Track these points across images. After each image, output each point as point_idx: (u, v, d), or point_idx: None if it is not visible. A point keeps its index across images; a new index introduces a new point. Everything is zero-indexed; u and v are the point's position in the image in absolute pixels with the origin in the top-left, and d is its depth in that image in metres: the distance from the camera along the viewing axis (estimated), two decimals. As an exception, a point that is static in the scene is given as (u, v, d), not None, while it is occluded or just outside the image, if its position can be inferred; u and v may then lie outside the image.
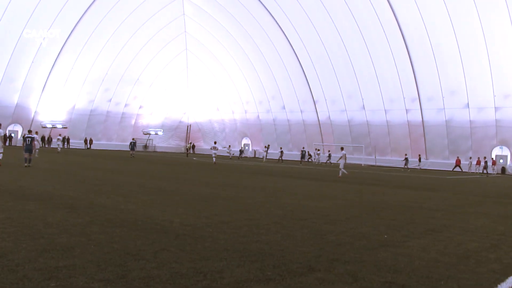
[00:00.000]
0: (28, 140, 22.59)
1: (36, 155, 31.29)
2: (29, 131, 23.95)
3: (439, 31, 44.22)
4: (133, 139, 49.25)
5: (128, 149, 45.68)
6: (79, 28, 54.94)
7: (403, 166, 45.91)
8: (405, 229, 8.78)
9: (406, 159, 45.82)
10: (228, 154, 57.62)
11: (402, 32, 46.33)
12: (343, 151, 27.68)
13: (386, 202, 13.66)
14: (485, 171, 43.09)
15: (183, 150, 74.66)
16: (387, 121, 52.74)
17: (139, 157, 42.19)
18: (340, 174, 26.99)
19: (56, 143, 47.67)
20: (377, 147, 53.66)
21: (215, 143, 43.06)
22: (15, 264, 4.96)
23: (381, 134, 53.92)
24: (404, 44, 46.84)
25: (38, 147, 33.26)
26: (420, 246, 7.25)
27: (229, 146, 63.38)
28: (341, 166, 27.12)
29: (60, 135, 53.32)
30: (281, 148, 55.79)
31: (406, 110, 50.51)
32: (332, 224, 8.95)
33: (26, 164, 21.71)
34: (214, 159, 38.80)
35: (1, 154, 21.45)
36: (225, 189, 15.62)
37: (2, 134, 22.54)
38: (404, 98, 50.01)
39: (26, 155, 22.09)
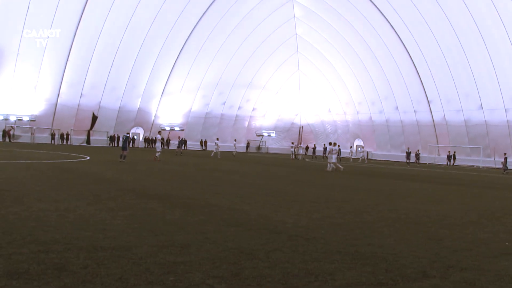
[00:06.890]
0: (124, 138, 26.12)
1: (157, 156, 30.35)
2: (128, 133, 26.94)
3: None
4: (180, 138, 52.74)
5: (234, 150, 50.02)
6: (193, 35, 57.77)
7: (502, 168, 40.77)
8: (532, 238, 8.00)
9: (505, 158, 40.90)
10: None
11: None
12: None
13: (508, 207, 12.60)
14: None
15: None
16: (507, 121, 48.45)
17: (254, 159, 43.07)
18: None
19: (214, 147, 44.32)
20: (497, 149, 49.77)
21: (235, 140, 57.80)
22: (138, 257, 5.28)
23: (501, 135, 49.67)
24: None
25: (160, 150, 31.67)
26: (550, 256, 6.55)
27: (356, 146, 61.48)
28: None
29: (217, 139, 48.04)
30: (294, 143, 58.69)
31: (529, 108, 46.23)
32: (448, 229, 8.45)
33: (120, 160, 24.57)
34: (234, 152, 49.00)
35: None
36: (337, 191, 15.43)
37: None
38: (527, 95, 45.80)
39: (122, 151, 25.22)
